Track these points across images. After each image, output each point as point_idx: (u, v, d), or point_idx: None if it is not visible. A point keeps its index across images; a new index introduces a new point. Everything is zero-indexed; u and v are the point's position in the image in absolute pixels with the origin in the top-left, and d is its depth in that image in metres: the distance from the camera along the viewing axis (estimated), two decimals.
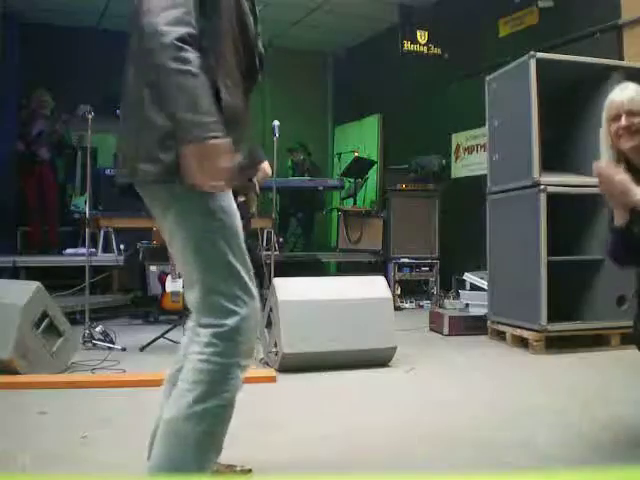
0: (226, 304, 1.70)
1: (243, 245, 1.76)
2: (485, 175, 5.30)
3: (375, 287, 4.16)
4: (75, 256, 6.11)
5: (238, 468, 2.19)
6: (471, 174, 7.37)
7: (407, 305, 7.08)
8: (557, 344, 4.43)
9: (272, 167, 5.35)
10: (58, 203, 7.35)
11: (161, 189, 1.71)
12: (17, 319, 3.56)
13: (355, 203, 8.13)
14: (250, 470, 2.21)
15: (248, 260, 1.77)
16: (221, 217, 1.70)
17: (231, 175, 1.61)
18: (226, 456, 1.94)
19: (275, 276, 4.78)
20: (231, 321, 1.70)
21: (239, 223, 1.78)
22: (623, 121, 2.34)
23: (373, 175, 8.63)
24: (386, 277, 5.08)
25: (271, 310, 4.05)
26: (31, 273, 5.94)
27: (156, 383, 3.53)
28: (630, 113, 2.34)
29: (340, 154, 9.05)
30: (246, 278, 1.73)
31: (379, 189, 8.72)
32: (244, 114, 1.81)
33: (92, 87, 7.26)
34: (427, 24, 7.54)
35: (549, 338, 4.43)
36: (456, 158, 7.75)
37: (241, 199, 5.34)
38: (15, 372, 3.50)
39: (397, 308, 6.32)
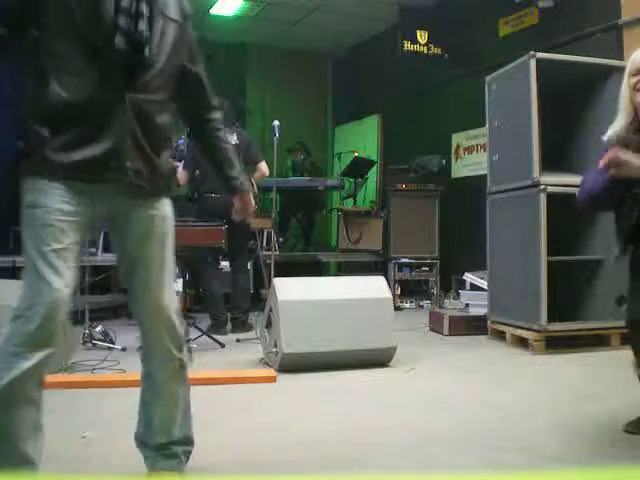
0: (24, 290, 1.77)
1: (50, 236, 1.79)
2: (485, 175, 5.30)
3: (375, 287, 4.16)
4: None
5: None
6: (471, 174, 7.37)
7: (407, 305, 7.09)
8: (557, 344, 4.43)
9: (272, 167, 5.39)
10: None
11: None
12: None
13: (355, 203, 8.13)
14: None
15: (49, 251, 1.78)
16: (33, 211, 1.81)
17: None
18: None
19: (275, 276, 4.78)
20: (18, 309, 1.76)
21: (49, 215, 1.80)
22: None
23: (373, 175, 8.63)
24: (386, 277, 5.08)
25: (271, 310, 4.06)
26: None
27: None
28: None
29: (340, 154, 9.05)
30: (40, 267, 1.76)
31: (379, 189, 8.72)
32: (97, 106, 1.80)
33: None
34: (427, 24, 7.53)
35: (549, 338, 4.43)
36: (456, 158, 7.75)
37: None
38: None
39: (397, 308, 6.32)
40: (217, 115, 2.19)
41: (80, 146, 1.80)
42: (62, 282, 1.78)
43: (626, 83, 2.55)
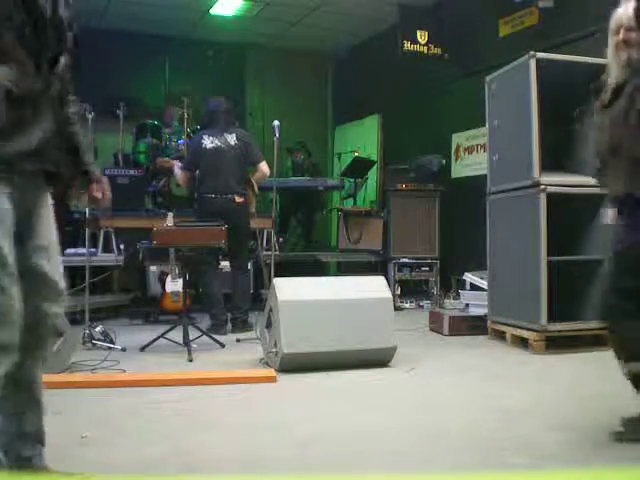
0: None
1: (8, 242, 1.73)
2: (485, 175, 5.30)
3: (375, 287, 4.16)
4: (75, 256, 6.11)
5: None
6: (471, 174, 7.36)
7: (407, 305, 7.08)
8: (557, 344, 4.43)
9: (272, 167, 5.39)
10: (59, 202, 7.33)
11: None
12: None
13: (355, 203, 8.13)
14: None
15: (4, 254, 1.72)
16: None
17: None
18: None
19: (275, 276, 4.78)
20: None
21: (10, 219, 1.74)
22: (621, 35, 2.55)
23: (373, 175, 8.62)
24: (386, 277, 5.08)
25: (271, 310, 4.06)
26: None
27: (156, 383, 3.56)
28: (628, 29, 2.53)
29: (340, 154, 9.04)
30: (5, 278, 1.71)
31: (379, 189, 8.72)
32: (35, 94, 1.74)
33: (92, 87, 7.25)
34: (427, 24, 7.53)
35: (549, 338, 4.43)
36: (456, 158, 7.75)
37: (240, 200, 5.37)
38: None
39: (397, 308, 6.32)
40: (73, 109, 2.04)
41: (24, 135, 1.73)
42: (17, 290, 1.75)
43: (610, 42, 2.61)
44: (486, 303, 5.19)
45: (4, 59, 1.67)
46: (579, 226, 4.72)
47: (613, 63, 2.62)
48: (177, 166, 5.64)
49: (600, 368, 3.92)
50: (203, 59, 8.66)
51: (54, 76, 1.80)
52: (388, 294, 4.17)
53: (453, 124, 7.69)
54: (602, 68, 4.61)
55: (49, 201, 1.99)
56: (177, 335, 4.53)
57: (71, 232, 7.15)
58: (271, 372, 3.76)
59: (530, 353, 4.43)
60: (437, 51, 7.59)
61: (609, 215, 2.74)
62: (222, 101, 5.66)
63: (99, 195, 2.13)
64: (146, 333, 4.92)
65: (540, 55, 4.54)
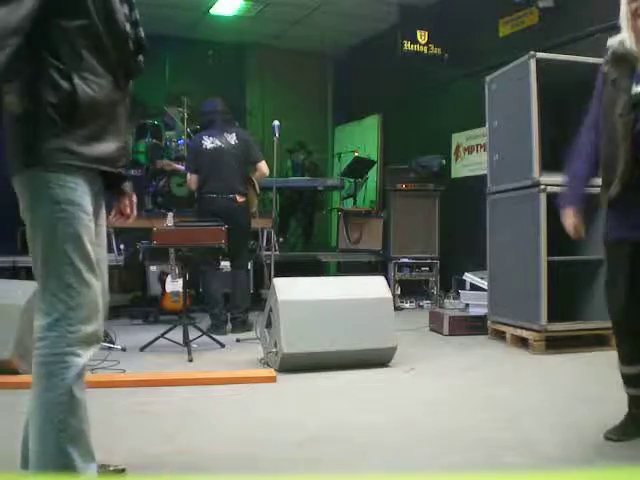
0: (57, 292, 1.77)
1: (86, 235, 1.81)
2: (485, 175, 5.30)
3: (375, 287, 4.16)
4: None
5: (111, 468, 2.14)
6: (471, 174, 7.37)
7: (407, 305, 7.08)
8: (557, 344, 4.44)
9: (272, 167, 5.39)
10: None
11: (15, 180, 1.82)
12: (17, 319, 3.56)
13: (355, 203, 8.13)
14: (124, 470, 2.16)
15: (89, 250, 1.81)
16: (66, 208, 1.77)
17: None
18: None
19: (275, 276, 4.78)
20: (58, 312, 1.76)
21: (85, 216, 1.82)
22: None
23: (373, 175, 8.63)
24: (386, 277, 5.08)
25: (271, 310, 4.06)
26: (31, 273, 5.93)
27: (156, 383, 3.56)
28: None
29: (340, 154, 9.05)
30: (81, 267, 1.78)
31: (379, 189, 8.72)
32: (111, 105, 1.86)
33: None
34: (427, 24, 7.53)
35: (549, 338, 4.43)
36: (456, 158, 7.75)
37: (241, 199, 5.37)
38: (15, 372, 3.51)
39: (397, 308, 6.32)
40: None
41: (99, 141, 1.83)
42: (100, 285, 1.86)
43: (624, 9, 2.51)
44: (486, 303, 5.20)
45: (80, 66, 1.77)
46: None
47: (629, 31, 2.51)
48: (183, 169, 5.60)
49: (600, 368, 3.93)
50: (203, 59, 8.65)
51: (128, 89, 1.95)
52: (388, 294, 4.17)
53: (453, 124, 7.69)
54: None
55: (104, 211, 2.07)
56: (177, 335, 4.53)
57: None
58: (271, 372, 3.76)
59: (530, 353, 4.44)
60: (437, 51, 7.59)
61: None
62: (217, 102, 5.64)
63: (127, 211, 2.21)
64: (146, 333, 4.92)
65: (540, 55, 4.54)
